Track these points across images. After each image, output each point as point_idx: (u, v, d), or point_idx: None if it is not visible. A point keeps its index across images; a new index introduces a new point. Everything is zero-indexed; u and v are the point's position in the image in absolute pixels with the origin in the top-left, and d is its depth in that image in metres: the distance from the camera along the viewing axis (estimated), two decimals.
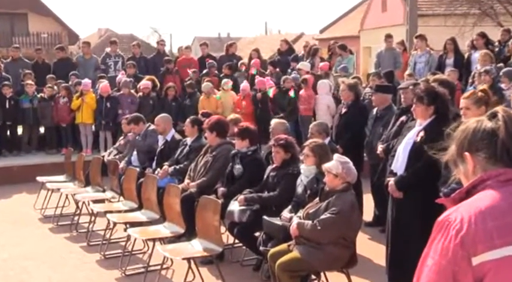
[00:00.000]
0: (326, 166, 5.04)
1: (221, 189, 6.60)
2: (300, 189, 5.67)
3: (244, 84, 12.39)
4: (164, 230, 6.20)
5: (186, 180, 7.22)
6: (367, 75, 12.36)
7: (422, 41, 12.24)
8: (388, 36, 13.12)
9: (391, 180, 5.35)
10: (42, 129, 13.07)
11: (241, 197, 6.07)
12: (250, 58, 14.18)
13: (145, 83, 12.41)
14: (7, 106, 12.13)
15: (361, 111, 8.04)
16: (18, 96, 12.42)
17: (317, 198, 5.12)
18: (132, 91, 12.33)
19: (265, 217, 5.57)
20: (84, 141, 12.40)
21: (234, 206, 6.03)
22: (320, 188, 5.12)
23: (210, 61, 13.81)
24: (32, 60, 14.08)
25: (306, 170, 5.62)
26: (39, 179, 9.27)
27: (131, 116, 9.32)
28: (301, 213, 5.22)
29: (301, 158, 6.23)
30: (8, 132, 12.59)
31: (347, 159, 5.09)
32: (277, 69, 13.46)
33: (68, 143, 12.37)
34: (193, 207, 6.33)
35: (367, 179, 7.96)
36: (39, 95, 12.48)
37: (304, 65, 12.56)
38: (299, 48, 19.12)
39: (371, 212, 7.91)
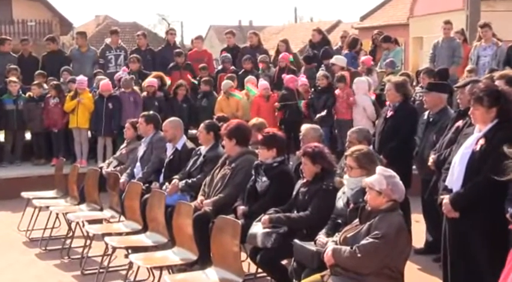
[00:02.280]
0: (367, 181, 5.05)
1: (241, 208, 6.64)
2: (341, 203, 5.69)
3: (263, 83, 12.43)
4: (173, 256, 6.25)
5: (200, 197, 7.27)
6: (416, 72, 12.32)
7: (488, 30, 12.16)
8: (447, 23, 13.05)
9: (445, 198, 5.34)
10: (28, 135, 13.19)
11: (265, 217, 6.10)
12: (278, 51, 14.23)
13: (150, 80, 12.51)
14: None
15: (410, 114, 8.03)
16: (1, 96, 12.55)
17: (357, 220, 5.13)
18: (136, 88, 12.41)
19: (296, 241, 5.59)
20: (79, 150, 12.50)
21: (257, 228, 6.06)
22: (361, 207, 5.13)
23: (223, 55, 13.89)
24: (16, 53, 14.22)
25: (351, 181, 5.64)
26: (25, 194, 9.37)
27: (148, 113, 9.33)
28: (337, 237, 5.23)
29: (337, 170, 6.25)
30: None
31: (393, 173, 5.09)
32: (312, 64, 13.49)
33: (59, 152, 12.45)
34: (207, 230, 6.37)
35: (417, 196, 7.93)
36: (26, 95, 12.61)
37: (339, 60, 12.54)
38: (335, 39, 19.16)
39: (422, 237, 7.88)
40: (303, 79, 12.52)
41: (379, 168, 5.14)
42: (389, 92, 8.08)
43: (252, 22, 66.76)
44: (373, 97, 11.39)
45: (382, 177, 5.01)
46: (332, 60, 12.50)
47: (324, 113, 11.68)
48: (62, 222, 8.75)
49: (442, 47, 12.92)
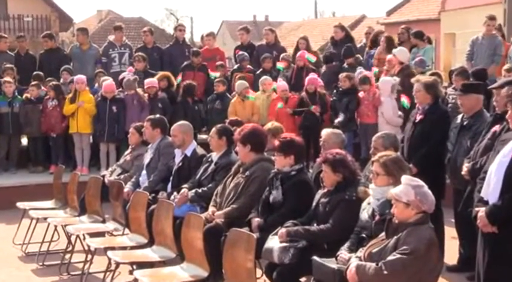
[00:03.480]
0: (393, 193, 5.05)
1: (256, 220, 6.65)
2: (365, 215, 5.69)
3: (282, 83, 12.44)
4: (182, 272, 6.26)
5: (211, 208, 7.29)
6: (449, 72, 12.29)
7: None
8: (492, 19, 12.97)
9: (481, 211, 5.32)
10: (24, 141, 13.27)
11: (282, 230, 6.10)
12: (297, 48, 14.25)
13: (150, 81, 12.55)
14: None
15: (442, 118, 8.01)
16: None
17: (383, 234, 5.12)
18: (140, 90, 12.45)
19: (315, 258, 5.59)
20: (79, 156, 12.57)
21: (273, 243, 6.07)
22: (387, 219, 5.12)
23: (240, 52, 13.91)
24: (11, 50, 14.32)
25: (377, 191, 5.64)
26: (20, 205, 9.41)
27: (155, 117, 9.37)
28: (361, 252, 5.22)
29: (361, 179, 6.25)
30: None
31: (420, 182, 5.09)
32: (334, 63, 13.49)
33: (58, 159, 12.55)
34: (219, 244, 6.39)
35: (449, 208, 7.92)
36: (23, 96, 12.68)
37: (401, 53, 12.28)
38: (359, 36, 19.16)
39: (455, 253, 7.85)
40: (318, 79, 12.51)
41: (405, 178, 5.14)
42: (419, 93, 8.05)
43: (268, 17, 67.14)
44: (406, 100, 11.26)
45: (409, 188, 5.01)
46: (394, 51, 12.25)
47: (341, 117, 11.66)
48: (61, 235, 8.78)
49: (482, 44, 12.84)
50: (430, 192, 5.07)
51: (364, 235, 5.58)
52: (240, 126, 7.83)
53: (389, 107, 11.28)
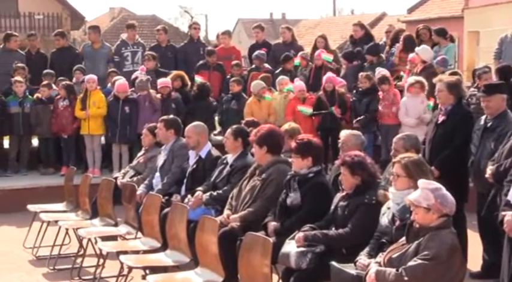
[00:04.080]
0: (411, 198, 5.03)
1: (273, 224, 6.65)
2: (385, 220, 5.69)
3: (299, 83, 12.43)
4: (196, 277, 6.28)
5: (226, 212, 7.31)
6: (472, 71, 12.23)
7: None
8: None
9: (507, 215, 5.30)
10: (35, 142, 13.34)
11: (299, 234, 6.11)
12: (315, 47, 14.24)
13: (163, 80, 12.58)
14: None
15: (465, 119, 7.98)
16: (6, 97, 12.70)
17: (403, 238, 5.11)
18: (152, 91, 12.49)
19: (333, 263, 5.59)
20: (91, 158, 12.61)
21: (290, 247, 6.07)
22: (408, 223, 5.11)
23: (257, 52, 13.92)
24: (22, 49, 14.36)
25: (397, 195, 5.64)
26: (31, 207, 9.47)
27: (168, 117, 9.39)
28: (381, 257, 5.21)
29: (381, 182, 6.24)
30: None
31: (437, 184, 5.08)
32: (355, 63, 13.48)
33: (69, 160, 12.60)
34: (235, 248, 6.40)
35: (473, 212, 7.89)
36: (34, 96, 12.75)
37: (425, 51, 12.17)
38: (379, 35, 19.11)
39: (479, 259, 7.82)
40: (339, 79, 12.48)
41: (422, 182, 5.12)
42: (441, 93, 8.03)
43: (285, 15, 67.08)
44: (431, 101, 11.18)
45: (427, 191, 5.00)
46: (417, 50, 12.16)
47: (360, 118, 11.64)
48: (72, 238, 8.81)
49: (511, 43, 12.76)
50: (449, 193, 5.06)
51: (384, 240, 5.57)
52: (256, 127, 7.83)
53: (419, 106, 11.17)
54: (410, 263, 4.81)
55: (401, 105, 11.20)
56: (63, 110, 12.54)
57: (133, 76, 13.05)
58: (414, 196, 5.02)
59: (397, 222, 5.46)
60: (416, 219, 5.01)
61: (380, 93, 11.81)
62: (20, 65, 13.20)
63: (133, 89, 12.67)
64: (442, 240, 4.84)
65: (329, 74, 12.45)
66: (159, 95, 12.49)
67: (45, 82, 12.82)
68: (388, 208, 5.72)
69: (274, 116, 12.21)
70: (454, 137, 7.80)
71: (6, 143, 13.10)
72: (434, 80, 8.44)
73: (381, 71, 12.30)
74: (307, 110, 11.92)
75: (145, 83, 12.43)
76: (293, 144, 6.87)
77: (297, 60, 13.65)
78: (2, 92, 12.74)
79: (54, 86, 12.92)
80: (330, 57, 13.59)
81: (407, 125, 10.90)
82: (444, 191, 5.04)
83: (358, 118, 11.66)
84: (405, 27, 21.41)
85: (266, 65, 13.81)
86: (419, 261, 4.78)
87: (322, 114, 11.96)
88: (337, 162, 6.96)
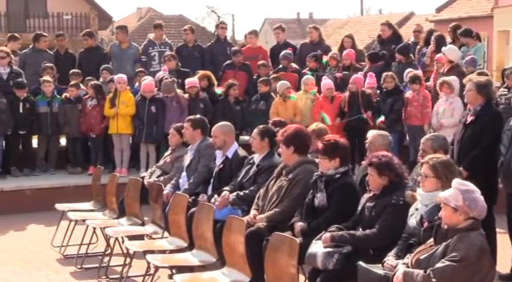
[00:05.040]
0: (442, 196, 5.02)
1: (299, 225, 6.65)
2: (413, 221, 5.66)
3: (327, 82, 12.40)
4: (223, 277, 6.29)
5: (253, 212, 7.31)
6: (502, 71, 12.13)
7: None
8: None
9: None
10: (63, 141, 13.44)
11: (326, 235, 6.10)
12: (342, 47, 14.20)
13: (191, 80, 12.60)
14: (21, 110, 12.48)
15: (494, 119, 7.92)
16: (35, 97, 12.79)
17: (431, 240, 5.08)
18: (180, 92, 12.53)
19: (361, 263, 5.57)
20: (119, 158, 12.68)
21: (317, 248, 6.06)
22: (436, 225, 5.08)
23: (284, 51, 13.89)
24: (51, 49, 14.47)
25: (425, 196, 5.61)
26: (59, 206, 9.53)
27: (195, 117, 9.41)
28: (408, 259, 5.19)
29: (409, 182, 6.21)
30: (21, 145, 12.94)
31: (472, 187, 5.04)
32: (379, 63, 13.43)
33: (97, 160, 12.69)
34: (261, 248, 6.40)
35: (502, 214, 7.82)
36: (62, 96, 12.83)
37: (452, 51, 12.07)
38: (407, 34, 19.03)
39: (508, 260, 7.76)
40: (369, 80, 12.43)
41: (456, 182, 5.10)
42: (470, 93, 7.98)
43: (312, 15, 66.96)
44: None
45: (458, 192, 4.97)
46: (443, 50, 12.12)
47: (381, 118, 11.59)
48: (99, 237, 8.88)
49: None
50: (481, 198, 5.02)
51: (412, 242, 5.54)
52: (283, 127, 7.82)
53: (460, 106, 11.07)
54: (439, 265, 4.79)
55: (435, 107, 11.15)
56: (92, 109, 12.62)
57: (156, 76, 13.08)
58: (445, 194, 5.01)
59: (425, 224, 5.44)
60: (443, 217, 4.99)
61: (410, 92, 11.76)
62: (48, 64, 13.28)
63: (157, 88, 12.68)
64: (470, 242, 4.81)
65: (356, 74, 12.41)
66: (186, 95, 12.52)
67: (73, 82, 12.90)
68: (416, 209, 5.70)
69: (300, 116, 12.19)
70: (482, 138, 7.75)
71: (35, 143, 13.18)
72: (464, 80, 8.39)
73: (412, 71, 12.26)
74: (327, 118, 11.81)
75: (171, 84, 12.45)
76: (320, 145, 6.85)
77: (324, 59, 13.62)
78: (31, 92, 12.82)
79: (82, 86, 13.01)
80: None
81: (447, 126, 10.77)
82: (476, 194, 5.00)
83: (382, 119, 11.59)
84: (433, 27, 21.27)
85: (293, 65, 13.80)
86: (448, 262, 4.76)
87: (352, 120, 11.90)
88: (364, 162, 6.94)
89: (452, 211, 4.94)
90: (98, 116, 12.61)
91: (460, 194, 4.96)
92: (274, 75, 13.03)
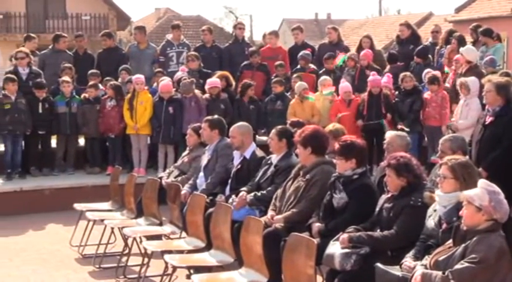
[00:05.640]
0: (467, 194, 5.00)
1: (317, 225, 6.64)
2: (431, 223, 5.64)
3: (345, 84, 12.37)
4: (240, 278, 6.30)
5: (270, 212, 7.31)
6: None
7: None
8: None
9: None
10: (81, 141, 13.50)
11: (344, 236, 6.09)
12: (360, 47, 14.17)
13: (213, 81, 12.61)
14: (40, 110, 12.55)
15: None
16: (53, 97, 12.85)
17: (450, 241, 5.06)
18: (198, 92, 12.55)
19: (379, 265, 5.56)
20: (137, 158, 12.73)
21: (335, 248, 6.05)
22: (454, 226, 5.06)
23: (302, 52, 13.88)
24: (70, 50, 14.54)
25: (443, 197, 5.59)
26: (77, 206, 9.58)
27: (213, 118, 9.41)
28: (426, 260, 5.17)
29: (427, 183, 6.18)
30: (40, 145, 12.99)
31: (497, 189, 5.03)
32: (398, 63, 13.38)
33: (115, 160, 12.74)
34: (279, 249, 6.40)
35: None
36: (81, 96, 12.90)
37: (470, 52, 11.98)
38: (426, 34, 18.95)
39: None
40: (385, 79, 12.39)
41: (482, 182, 5.08)
42: (489, 94, 7.95)
43: (330, 15, 66.94)
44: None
45: (484, 192, 4.95)
46: (461, 50, 12.07)
47: (405, 123, 11.54)
48: (117, 237, 8.92)
49: None
50: (505, 201, 5.01)
51: (430, 243, 5.52)
52: (301, 128, 7.82)
53: (479, 108, 11.02)
54: (457, 266, 4.77)
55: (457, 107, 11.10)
56: (111, 110, 12.67)
57: (175, 77, 13.10)
58: (470, 193, 4.99)
59: (444, 225, 5.41)
60: (464, 216, 4.97)
61: (428, 93, 11.71)
62: (67, 65, 13.36)
63: (175, 89, 12.71)
64: (490, 244, 4.79)
65: (374, 75, 12.36)
66: (207, 95, 12.54)
67: (92, 82, 12.96)
68: (435, 210, 5.67)
69: (318, 117, 12.17)
70: (502, 138, 7.71)
71: (53, 143, 13.25)
72: (484, 80, 8.36)
73: (430, 71, 12.21)
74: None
75: (190, 85, 12.46)
76: (336, 145, 6.84)
77: (340, 60, 13.59)
78: (50, 92, 12.89)
79: (100, 86, 13.06)
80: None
81: (461, 128, 10.72)
82: (502, 197, 4.99)
83: (401, 126, 11.51)
84: (452, 27, 21.17)
85: (311, 66, 13.78)
86: (467, 264, 4.74)
87: (371, 125, 11.87)
88: (382, 163, 6.92)
89: (475, 210, 4.92)
90: (117, 116, 12.65)
91: (486, 194, 4.94)
92: (296, 74, 12.98)
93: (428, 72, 12.17)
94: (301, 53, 13.75)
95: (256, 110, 12.76)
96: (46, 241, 10.02)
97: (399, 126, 11.52)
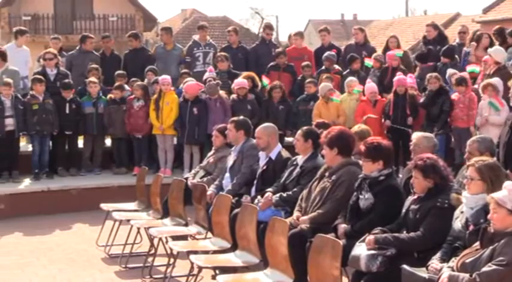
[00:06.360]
0: (496, 197, 4.96)
1: (343, 227, 6.63)
2: (458, 225, 5.61)
3: (370, 85, 12.32)
4: (265, 278, 6.29)
5: (296, 213, 7.30)
6: None
7: None
8: None
9: None
10: (108, 141, 13.60)
11: (370, 237, 6.06)
12: (387, 48, 14.12)
13: (240, 81, 12.63)
14: (67, 111, 12.64)
15: None
16: (80, 98, 12.95)
17: (477, 243, 5.03)
18: (223, 93, 12.57)
19: (405, 266, 5.53)
20: (163, 158, 12.76)
21: (361, 250, 6.03)
22: (482, 228, 5.02)
23: (327, 53, 13.85)
24: (97, 51, 14.65)
25: (471, 199, 5.56)
26: (104, 206, 9.63)
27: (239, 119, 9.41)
28: (453, 262, 5.14)
29: (454, 185, 6.14)
30: (67, 145, 13.09)
31: None
32: (429, 64, 13.31)
33: (141, 160, 12.78)
34: (304, 250, 6.40)
35: None
36: (107, 97, 12.98)
37: (498, 52, 11.93)
38: (453, 35, 18.83)
39: None
40: (409, 80, 12.32)
41: (510, 184, 5.03)
42: None
43: (356, 16, 66.71)
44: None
45: None
46: (490, 51, 12.02)
47: (437, 128, 11.47)
48: (143, 237, 8.96)
49: None
50: None
51: (457, 245, 5.49)
52: (327, 129, 7.80)
53: (507, 109, 10.91)
54: (485, 269, 4.74)
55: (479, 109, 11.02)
56: (138, 110, 12.72)
57: (204, 77, 13.11)
58: (499, 195, 4.95)
59: (471, 227, 5.37)
60: (493, 219, 4.94)
61: (456, 94, 11.64)
62: (93, 66, 13.45)
63: (202, 89, 12.70)
64: None
65: (399, 75, 12.30)
66: (233, 96, 12.56)
67: (118, 83, 13.03)
68: (462, 212, 5.64)
69: (343, 118, 12.14)
70: None
71: (80, 143, 13.34)
72: (510, 82, 8.29)
73: (456, 72, 12.13)
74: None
75: (215, 87, 12.48)
76: (362, 147, 6.80)
77: (368, 62, 13.56)
78: (77, 93, 12.98)
79: (127, 87, 13.12)
80: (400, 51, 13.43)
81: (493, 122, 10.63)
82: None
83: (436, 130, 11.42)
84: (480, 28, 21.02)
85: (336, 66, 13.74)
86: (494, 266, 4.70)
87: (399, 129, 11.82)
88: (408, 165, 6.88)
89: (506, 213, 4.89)
90: (145, 116, 12.70)
91: None
92: (326, 75, 12.95)
93: (454, 74, 12.08)
94: (326, 54, 13.71)
95: (285, 110, 12.74)
96: (73, 241, 10.09)
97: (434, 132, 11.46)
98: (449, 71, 12.44)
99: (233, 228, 7.36)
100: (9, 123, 12.06)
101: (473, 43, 13.03)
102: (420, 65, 13.44)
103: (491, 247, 4.83)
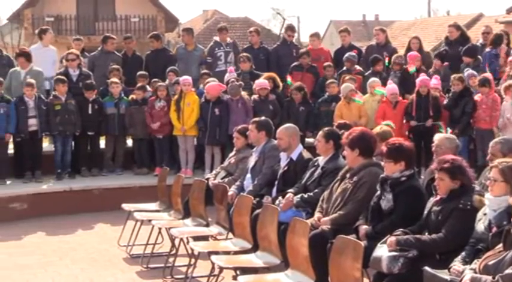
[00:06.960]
0: None
1: (364, 228, 6.61)
2: (481, 227, 5.58)
3: (392, 86, 12.27)
4: (286, 279, 6.29)
5: (317, 214, 7.29)
6: None
7: None
8: None
9: None
10: (129, 142, 13.65)
11: (392, 238, 6.04)
12: (409, 49, 14.06)
13: (262, 82, 12.64)
14: (89, 111, 12.72)
15: None
16: (102, 98, 13.02)
17: (500, 245, 5.00)
18: (245, 94, 12.57)
19: (427, 268, 5.51)
20: (184, 159, 12.78)
21: (382, 251, 6.01)
22: (505, 230, 4.99)
23: (348, 54, 13.82)
24: (119, 51, 14.72)
25: (493, 201, 5.54)
26: (125, 206, 9.68)
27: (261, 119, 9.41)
28: (476, 264, 5.11)
29: (476, 187, 6.11)
30: (89, 145, 13.15)
31: None
32: (446, 64, 13.25)
33: (162, 161, 12.82)
34: (325, 251, 6.39)
35: None
36: (129, 97, 13.04)
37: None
38: (476, 36, 18.75)
39: None
40: (434, 81, 12.27)
41: None
42: None
43: (378, 16, 66.53)
44: None
45: None
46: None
47: (458, 128, 11.38)
48: (164, 237, 8.99)
49: None
50: None
51: (480, 247, 5.46)
52: (348, 130, 7.79)
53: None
54: (508, 271, 4.71)
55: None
56: (160, 110, 12.75)
57: (226, 78, 13.13)
58: None
59: (494, 229, 5.34)
60: None
61: (479, 95, 11.58)
62: (115, 66, 13.48)
63: (223, 90, 12.70)
64: None
65: (423, 76, 12.24)
66: (255, 96, 12.57)
67: (139, 84, 13.07)
68: (484, 214, 5.60)
69: (365, 119, 12.11)
70: None
71: (102, 143, 13.41)
72: None
73: (473, 73, 12.09)
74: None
75: (237, 88, 12.48)
76: (384, 148, 6.78)
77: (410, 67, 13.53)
78: (99, 93, 13.05)
79: (148, 88, 13.16)
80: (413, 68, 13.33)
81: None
82: None
83: (457, 132, 11.36)
84: (504, 28, 20.86)
85: (357, 67, 13.71)
86: None
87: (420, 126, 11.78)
88: (431, 166, 6.85)
89: None
90: (166, 117, 12.74)
91: None
92: (349, 76, 12.91)
93: (472, 75, 12.03)
94: (346, 55, 13.68)
95: (306, 111, 12.74)
96: (94, 241, 10.15)
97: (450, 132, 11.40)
98: (468, 72, 12.37)
99: (254, 229, 7.35)
100: (33, 123, 12.19)
101: (503, 46, 12.95)
102: (440, 65, 13.34)
103: None
